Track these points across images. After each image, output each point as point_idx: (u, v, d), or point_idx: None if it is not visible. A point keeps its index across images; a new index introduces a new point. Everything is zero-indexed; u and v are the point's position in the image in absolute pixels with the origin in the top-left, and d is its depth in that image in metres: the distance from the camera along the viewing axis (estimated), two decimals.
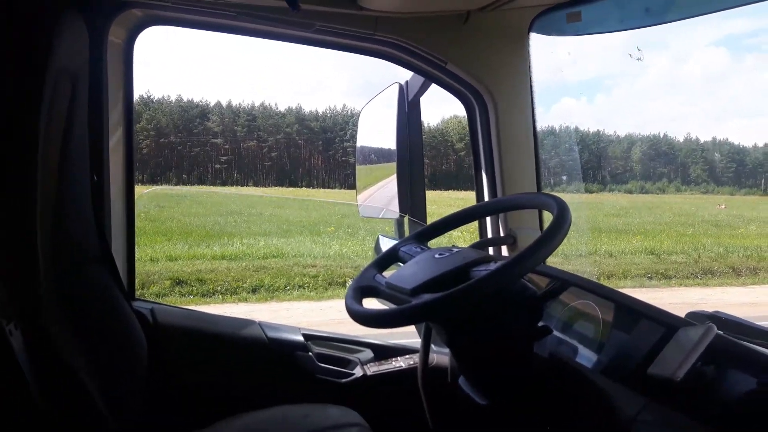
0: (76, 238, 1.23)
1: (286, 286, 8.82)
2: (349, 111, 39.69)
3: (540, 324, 1.15)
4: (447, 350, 1.74)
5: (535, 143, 1.75)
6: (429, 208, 2.06)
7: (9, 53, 0.97)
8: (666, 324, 1.04)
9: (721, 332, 0.96)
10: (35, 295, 0.98)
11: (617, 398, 0.98)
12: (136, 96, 1.78)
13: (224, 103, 38.76)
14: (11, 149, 0.97)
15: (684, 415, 0.88)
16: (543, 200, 1.20)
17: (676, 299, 8.03)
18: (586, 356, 1.17)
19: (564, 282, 1.16)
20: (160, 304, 1.75)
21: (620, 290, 1.25)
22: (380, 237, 2.23)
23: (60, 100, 1.09)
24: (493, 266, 1.10)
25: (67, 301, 1.10)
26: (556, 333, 1.22)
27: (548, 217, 1.11)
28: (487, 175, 1.76)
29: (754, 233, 15.67)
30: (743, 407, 0.86)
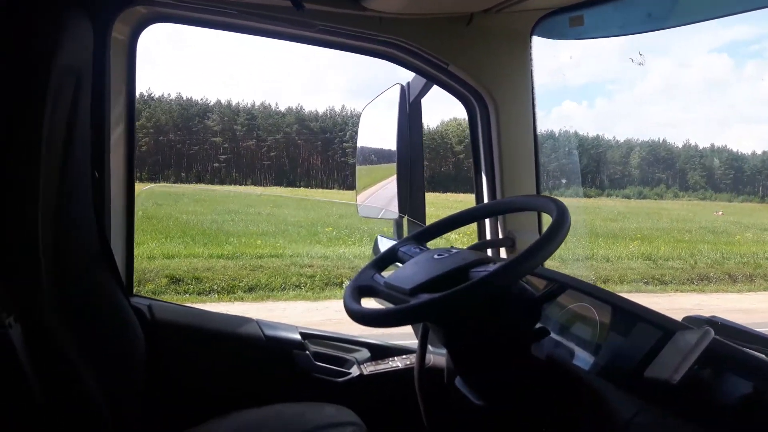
0: (76, 233, 1.23)
1: (282, 286, 8.81)
2: (348, 112, 39.75)
3: (538, 326, 1.15)
4: (444, 351, 1.74)
5: (536, 146, 1.75)
6: (427, 210, 2.07)
7: (14, 50, 0.97)
8: (663, 327, 1.05)
9: (718, 337, 0.97)
10: (36, 289, 0.99)
11: (614, 401, 0.99)
12: (136, 93, 1.78)
13: (224, 102, 38.79)
14: (16, 145, 0.97)
15: (680, 418, 0.88)
16: (542, 203, 1.21)
17: (672, 305, 8.06)
18: (583, 358, 1.17)
19: (562, 284, 1.16)
20: (158, 300, 1.75)
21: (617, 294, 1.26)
22: (379, 237, 2.23)
23: (64, 97, 1.09)
24: (492, 267, 1.10)
25: (67, 296, 1.10)
26: (553, 335, 1.22)
27: (547, 220, 1.11)
28: (486, 177, 1.77)
29: (750, 240, 15.74)
30: (739, 411, 0.87)
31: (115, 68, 1.59)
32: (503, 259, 1.49)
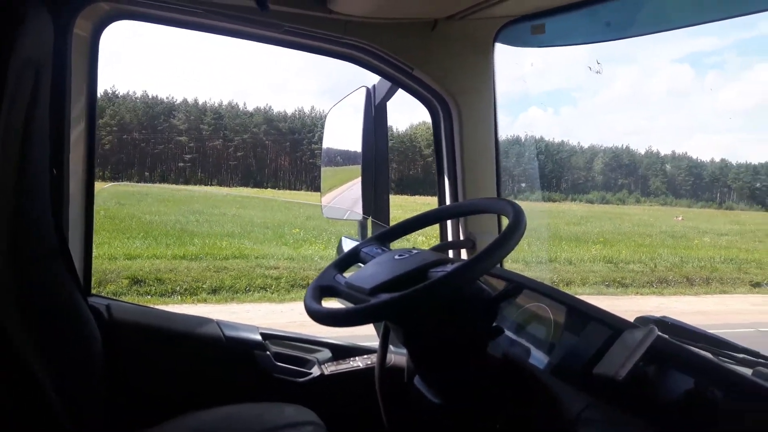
0: (33, 231, 1.21)
1: (247, 288, 8.74)
2: (317, 113, 39.61)
3: (493, 325, 1.18)
4: (405, 350, 1.76)
5: (497, 151, 1.79)
6: (395, 212, 2.09)
7: None
8: (613, 326, 1.09)
9: (664, 335, 1.01)
10: None
11: (564, 397, 1.02)
12: (100, 91, 1.76)
13: (191, 101, 38.20)
14: None
15: (626, 414, 0.92)
16: (500, 205, 1.24)
17: (631, 307, 8.27)
18: (538, 357, 1.21)
19: (518, 285, 1.20)
20: (116, 300, 1.73)
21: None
22: (343, 238, 2.24)
23: (22, 92, 1.08)
24: (450, 268, 1.13)
25: (24, 294, 1.08)
26: (509, 334, 1.25)
27: (507, 223, 1.15)
28: (449, 179, 1.79)
29: (708, 244, 16.24)
30: (682, 406, 0.91)
31: (77, 65, 1.56)
32: (462, 260, 1.52)
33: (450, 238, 1.80)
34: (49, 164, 1.37)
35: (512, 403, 1.20)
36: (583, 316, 1.18)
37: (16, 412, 0.99)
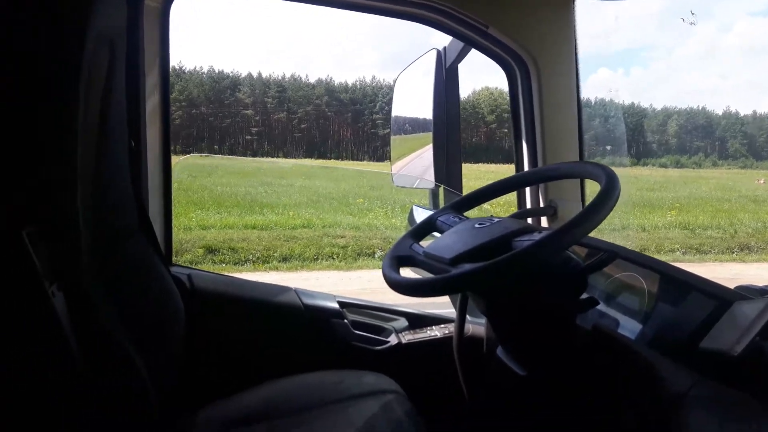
0: (115, 204, 1.24)
1: (316, 256, 8.89)
2: (378, 83, 39.43)
3: (585, 296, 1.12)
4: (482, 320, 1.72)
5: (579, 112, 1.69)
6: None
7: (46, 21, 0.96)
8: (718, 297, 1.00)
9: None
10: (77, 259, 0.99)
11: (666, 372, 0.95)
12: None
13: (255, 75, 38.85)
14: (51, 117, 0.97)
15: (741, 392, 0.85)
16: (589, 170, 1.16)
17: (711, 274, 7.86)
18: (631, 329, 1.14)
19: (611, 253, 1.12)
20: (197, 270, 1.77)
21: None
22: (414, 207, 2.21)
23: (99, 67, 1.08)
24: (537, 236, 1.07)
25: (108, 267, 1.11)
26: (599, 305, 1.19)
27: (590, 188, 1.07)
28: (527, 144, 1.71)
29: None
30: None
31: (149, 37, 1.58)
32: (546, 228, 1.45)
33: (528, 206, 1.73)
34: (127, 138, 1.39)
35: (605, 376, 1.13)
36: (682, 285, 1.10)
37: (103, 379, 1.02)
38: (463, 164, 2.11)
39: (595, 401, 1.14)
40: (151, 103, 1.65)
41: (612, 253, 1.06)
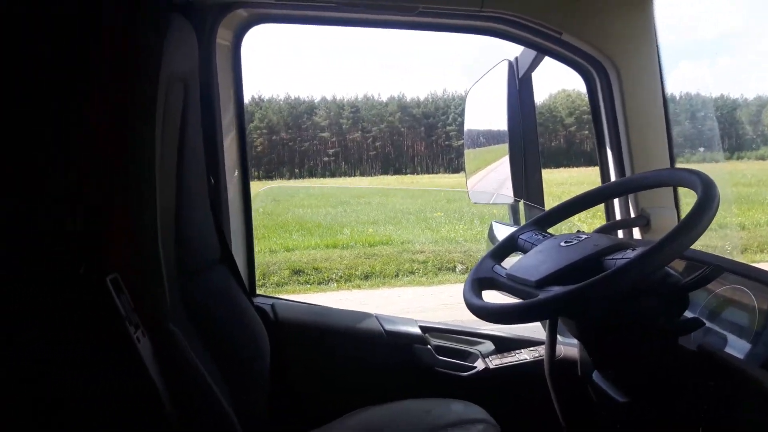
0: (196, 240, 1.27)
1: (396, 273, 8.90)
2: (449, 95, 39.39)
3: (688, 316, 1.02)
4: (574, 341, 1.62)
5: (666, 113, 1.58)
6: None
7: (119, 62, 0.99)
8: None
9: None
10: (160, 299, 1.01)
11: None
12: (247, 97, 1.82)
13: (329, 98, 39.85)
14: (129, 158, 1.00)
15: None
16: (683, 177, 1.07)
17: None
18: (740, 348, 1.03)
19: (716, 267, 1.01)
20: (280, 299, 1.79)
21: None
22: (494, 223, 2.14)
23: (173, 106, 1.12)
24: (631, 253, 0.98)
25: (192, 304, 1.13)
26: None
27: (685, 193, 0.98)
28: (612, 151, 1.62)
29: None
30: None
31: (222, 73, 1.62)
32: (640, 241, 1.35)
33: (617, 216, 1.62)
34: (206, 173, 1.43)
35: (716, 402, 1.03)
36: None
37: (191, 419, 1.02)
38: (544, 170, 2.02)
39: (704, 429, 1.03)
40: (229, 137, 1.69)
41: (717, 267, 0.96)
